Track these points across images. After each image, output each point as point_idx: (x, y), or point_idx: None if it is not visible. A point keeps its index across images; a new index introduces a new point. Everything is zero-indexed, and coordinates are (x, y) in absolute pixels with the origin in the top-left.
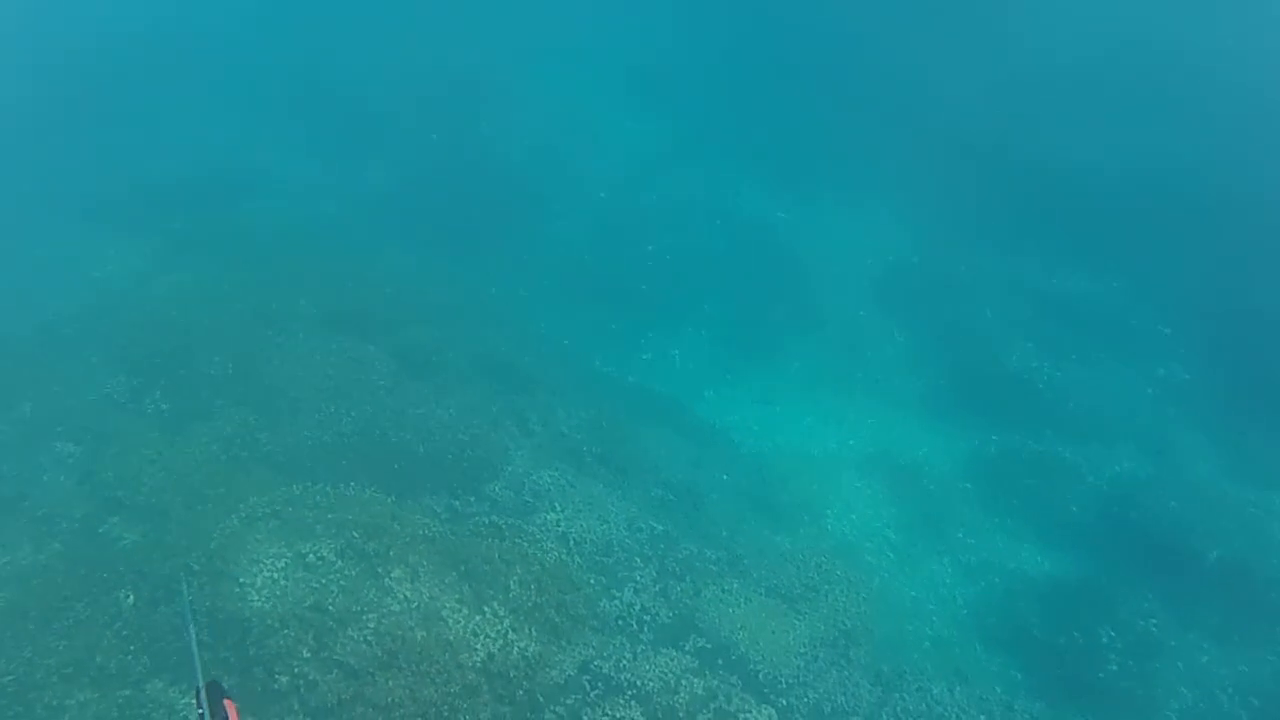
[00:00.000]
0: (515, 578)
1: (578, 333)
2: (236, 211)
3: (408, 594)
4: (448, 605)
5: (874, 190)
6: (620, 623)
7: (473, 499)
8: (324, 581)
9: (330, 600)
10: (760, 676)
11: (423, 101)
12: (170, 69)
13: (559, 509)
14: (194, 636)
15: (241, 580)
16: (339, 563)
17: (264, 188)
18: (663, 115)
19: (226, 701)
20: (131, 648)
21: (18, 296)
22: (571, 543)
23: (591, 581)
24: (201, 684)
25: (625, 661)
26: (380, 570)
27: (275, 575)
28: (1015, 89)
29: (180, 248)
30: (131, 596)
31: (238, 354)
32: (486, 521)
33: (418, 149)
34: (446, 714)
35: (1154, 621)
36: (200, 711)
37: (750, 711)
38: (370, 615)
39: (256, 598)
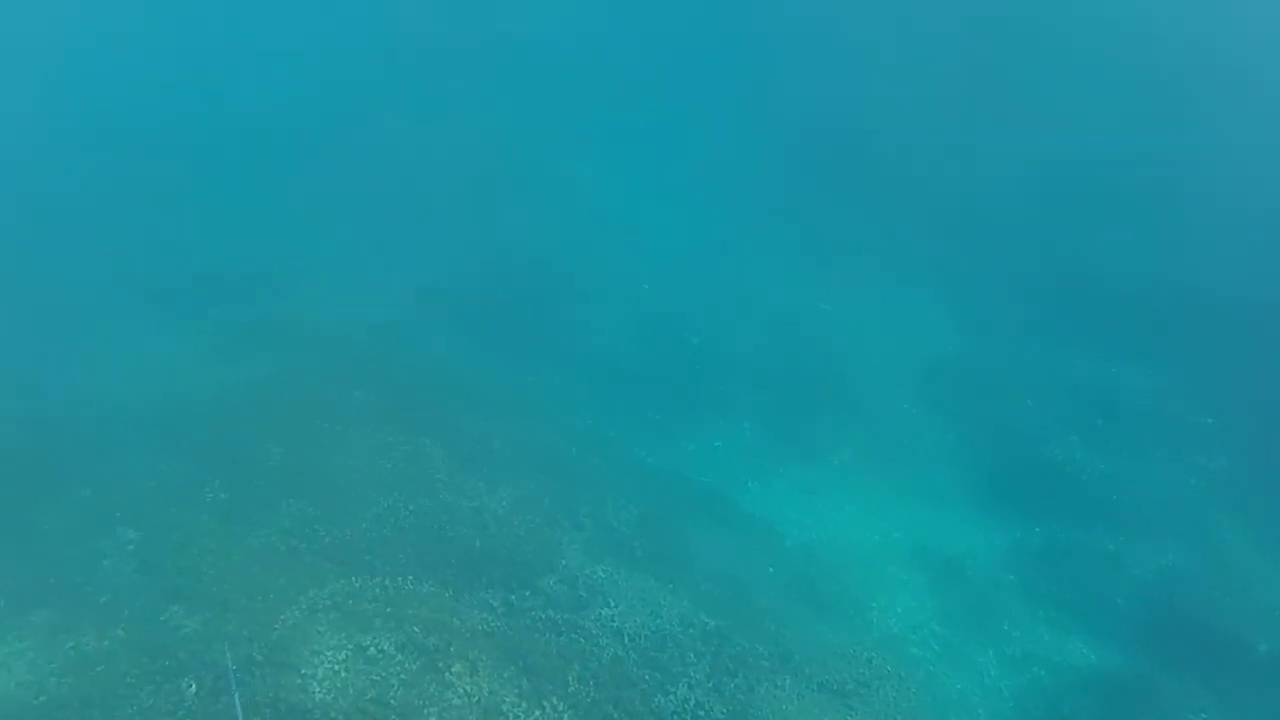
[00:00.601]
0: (573, 673)
1: (622, 424)
2: (289, 302)
3: (468, 689)
4: (508, 700)
5: (917, 283)
6: (676, 719)
7: (528, 593)
8: (385, 674)
9: (392, 694)
10: None
11: (468, 196)
12: (227, 165)
13: (613, 604)
14: (239, 705)
15: (303, 671)
16: (399, 656)
17: (314, 280)
18: (707, 207)
19: None
20: None
21: (76, 380)
22: (626, 638)
23: (647, 678)
24: None
25: None
26: (440, 665)
27: (336, 667)
28: (1060, 182)
29: (236, 336)
30: (194, 685)
31: (295, 444)
32: (543, 616)
33: (464, 243)
34: None
35: (1204, 716)
36: None
37: None
38: (431, 709)
39: (319, 689)
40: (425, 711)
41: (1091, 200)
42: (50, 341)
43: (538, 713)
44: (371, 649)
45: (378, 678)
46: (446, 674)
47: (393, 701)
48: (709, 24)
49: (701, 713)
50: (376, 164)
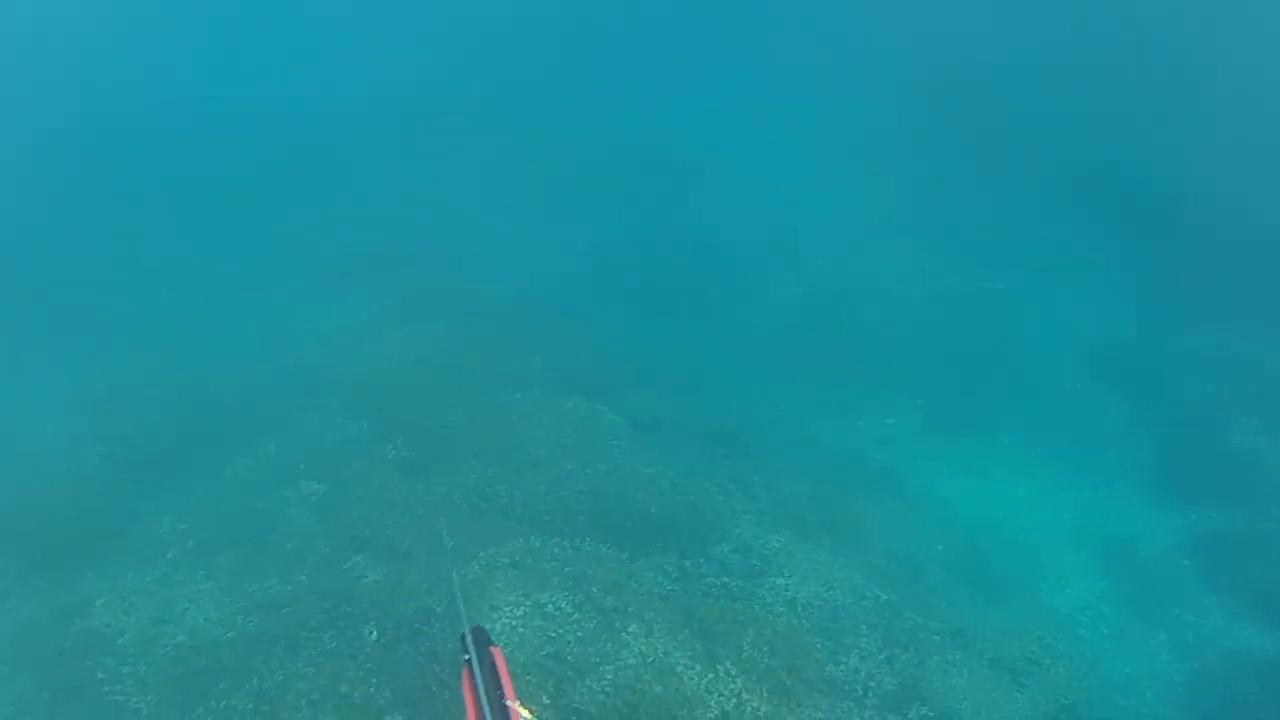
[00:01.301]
0: (748, 639)
1: (794, 399)
2: (462, 272)
3: (643, 648)
4: (681, 661)
5: (1091, 261)
6: (847, 688)
7: (702, 560)
8: (561, 631)
9: (568, 650)
10: None
11: (637, 169)
12: (400, 138)
13: (786, 574)
14: (457, 582)
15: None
16: (576, 614)
17: (488, 249)
18: (880, 184)
19: (493, 649)
20: (374, 680)
21: (259, 343)
22: (800, 608)
23: (819, 646)
24: (467, 629)
25: None
26: (617, 624)
27: (514, 623)
28: (1244, 155)
29: (411, 304)
30: (375, 632)
31: (476, 408)
32: (717, 583)
33: (635, 216)
34: None
35: None
36: (466, 656)
37: None
38: (607, 667)
39: (496, 643)
40: (601, 668)
41: None
42: (244, 308)
43: (711, 675)
44: (549, 606)
45: (554, 634)
46: (622, 633)
47: (569, 657)
48: None
49: (873, 683)
50: (545, 137)
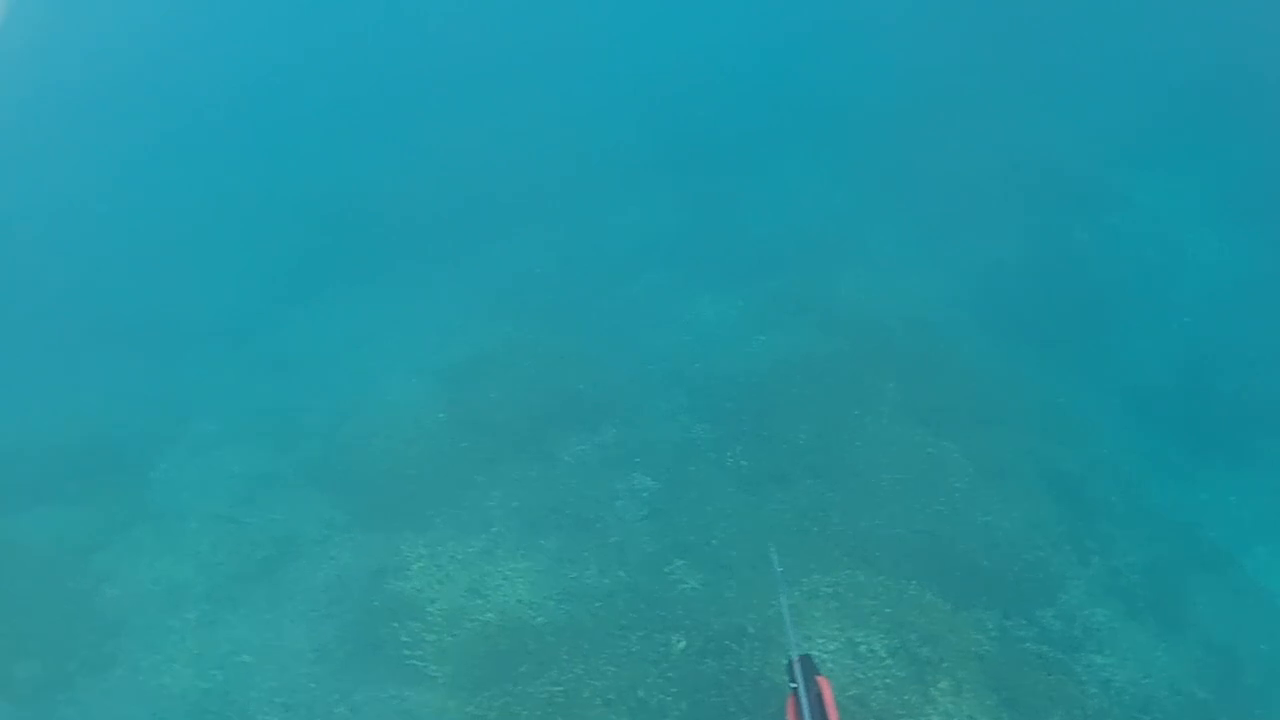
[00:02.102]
0: (1056, 718)
1: (1142, 460)
2: (833, 280)
3: (949, 708)
4: None
5: None
6: None
7: (1024, 622)
8: (870, 675)
9: (873, 696)
10: None
11: (1016, 197)
12: (784, 134)
13: (1106, 652)
14: (787, 607)
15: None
16: (889, 660)
17: (856, 258)
18: (1263, 241)
19: (819, 679)
20: (673, 690)
21: (619, 329)
22: (1113, 691)
23: None
24: (795, 656)
25: None
26: (928, 678)
27: (825, 656)
28: None
29: (780, 309)
30: (683, 642)
31: (821, 426)
32: (1034, 650)
33: (1007, 246)
34: None
35: None
36: (794, 685)
37: None
38: None
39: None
40: None
41: None
42: (611, 292)
43: None
44: (863, 647)
45: (863, 676)
46: (932, 689)
47: (873, 704)
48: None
49: None
50: (928, 150)
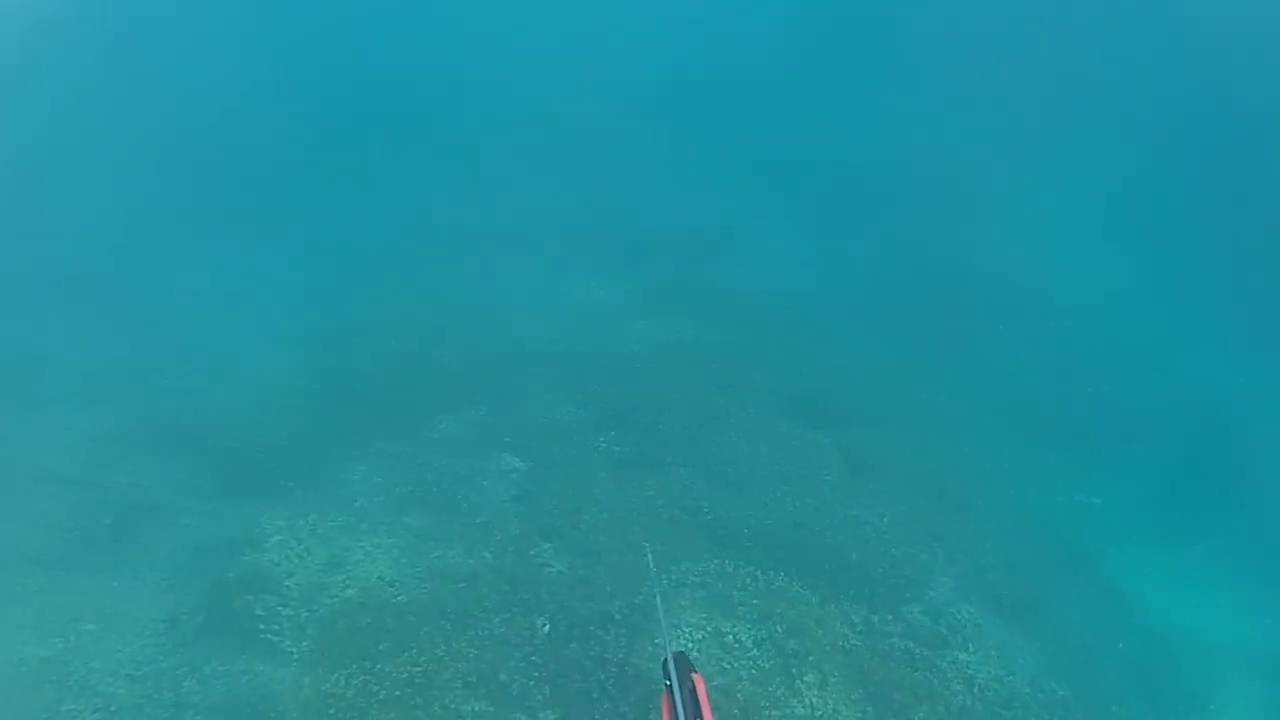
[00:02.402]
0: (920, 714)
1: (1007, 459)
2: (713, 270)
3: (814, 701)
4: None
5: None
6: None
7: (890, 617)
8: (736, 666)
9: (739, 687)
10: None
11: (903, 194)
12: (675, 117)
13: (971, 650)
14: (661, 604)
15: (657, 641)
16: (755, 651)
17: (743, 250)
18: (1135, 249)
19: (695, 675)
20: (536, 674)
21: (495, 307)
22: (977, 689)
23: None
24: (670, 654)
25: None
26: (794, 670)
27: (692, 646)
28: None
29: (658, 295)
30: (548, 625)
31: (695, 414)
32: (900, 646)
33: (893, 242)
34: None
35: None
36: (668, 682)
37: None
38: (774, 713)
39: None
40: (768, 713)
41: None
42: (488, 270)
43: None
44: (729, 637)
45: (729, 667)
46: (798, 681)
47: (739, 694)
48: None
49: None
50: (818, 148)
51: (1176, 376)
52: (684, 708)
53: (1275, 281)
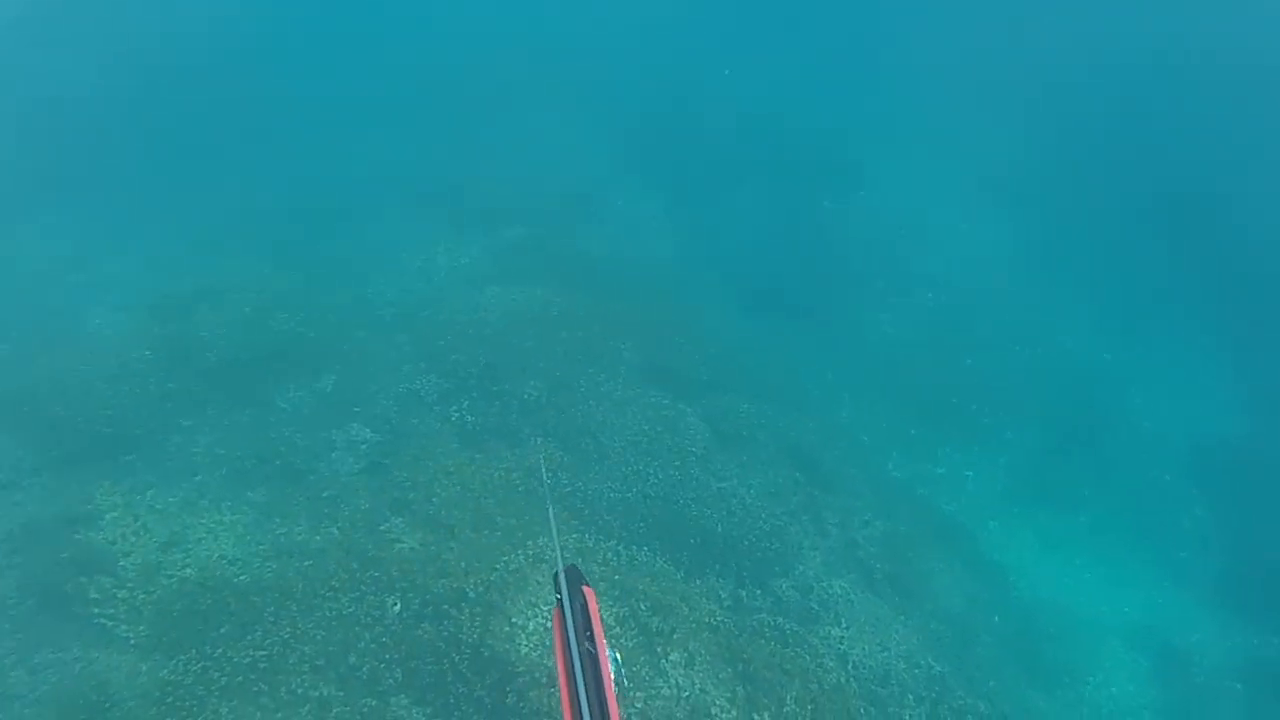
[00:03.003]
0: (793, 693)
1: (880, 432)
2: (575, 232)
3: (680, 680)
4: (718, 703)
5: (1212, 345)
6: None
7: (759, 592)
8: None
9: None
10: None
11: (780, 162)
12: (532, 76)
13: (843, 625)
14: (554, 518)
15: (514, 620)
16: (617, 629)
17: (606, 214)
18: (1009, 224)
19: (585, 588)
20: (387, 656)
21: (342, 265)
22: (851, 665)
23: (863, 712)
24: (561, 568)
25: None
26: (659, 649)
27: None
28: None
29: (513, 256)
30: (398, 605)
31: (554, 384)
32: (770, 622)
33: (764, 207)
34: None
35: None
36: (558, 596)
37: None
38: (639, 694)
39: (525, 644)
40: (631, 694)
41: None
42: (337, 232)
43: None
44: None
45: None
46: (663, 660)
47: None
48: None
49: None
50: (683, 112)
51: (1049, 350)
52: (574, 621)
53: (1145, 258)
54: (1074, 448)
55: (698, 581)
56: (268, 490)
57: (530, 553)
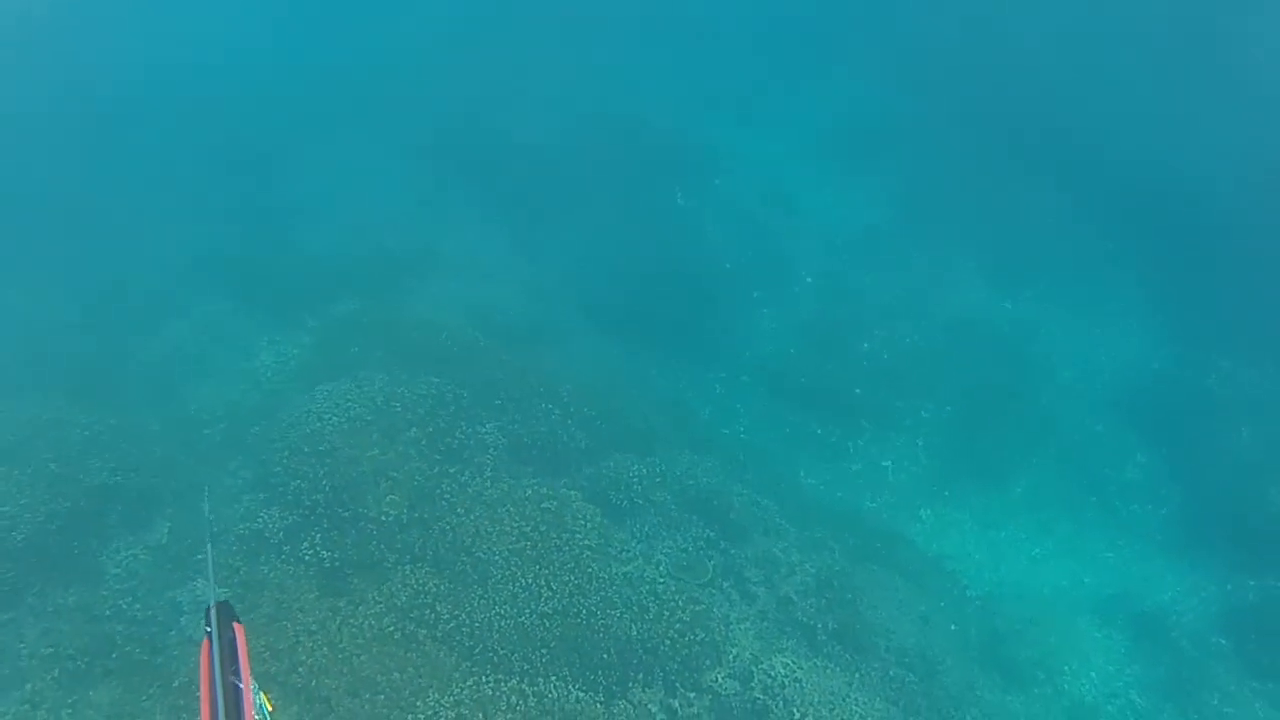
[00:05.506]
0: None
1: (783, 439)
2: (411, 295)
3: None
4: None
5: (1116, 286)
6: None
7: (693, 695)
8: None
9: None
10: None
11: (608, 167)
12: (330, 128)
13: (797, 710)
14: (211, 555)
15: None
16: None
17: (434, 269)
18: (878, 188)
19: (235, 625)
20: None
21: (155, 385)
22: None
23: None
24: (213, 603)
25: None
26: None
27: None
28: None
29: (345, 338)
30: None
31: (413, 494)
32: None
33: (612, 217)
34: None
35: None
36: (208, 630)
37: None
38: None
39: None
40: None
41: None
42: (140, 337)
43: None
44: None
45: None
46: None
47: None
48: None
49: None
50: (494, 130)
51: (947, 315)
52: (221, 656)
53: (1028, 200)
54: (994, 413)
55: (621, 703)
56: (111, 688)
57: (422, 715)
